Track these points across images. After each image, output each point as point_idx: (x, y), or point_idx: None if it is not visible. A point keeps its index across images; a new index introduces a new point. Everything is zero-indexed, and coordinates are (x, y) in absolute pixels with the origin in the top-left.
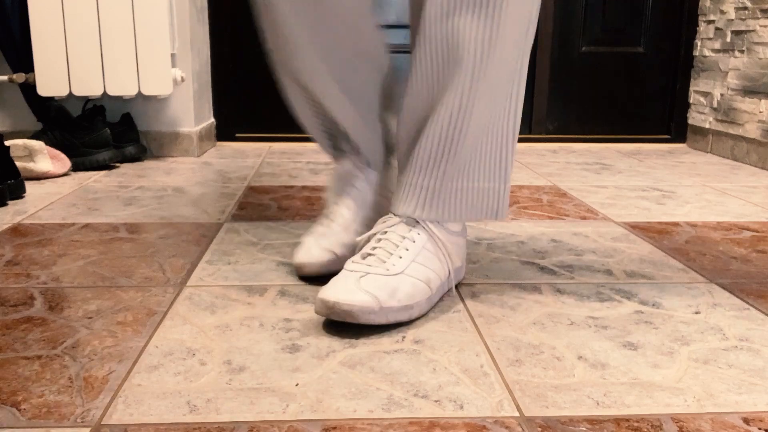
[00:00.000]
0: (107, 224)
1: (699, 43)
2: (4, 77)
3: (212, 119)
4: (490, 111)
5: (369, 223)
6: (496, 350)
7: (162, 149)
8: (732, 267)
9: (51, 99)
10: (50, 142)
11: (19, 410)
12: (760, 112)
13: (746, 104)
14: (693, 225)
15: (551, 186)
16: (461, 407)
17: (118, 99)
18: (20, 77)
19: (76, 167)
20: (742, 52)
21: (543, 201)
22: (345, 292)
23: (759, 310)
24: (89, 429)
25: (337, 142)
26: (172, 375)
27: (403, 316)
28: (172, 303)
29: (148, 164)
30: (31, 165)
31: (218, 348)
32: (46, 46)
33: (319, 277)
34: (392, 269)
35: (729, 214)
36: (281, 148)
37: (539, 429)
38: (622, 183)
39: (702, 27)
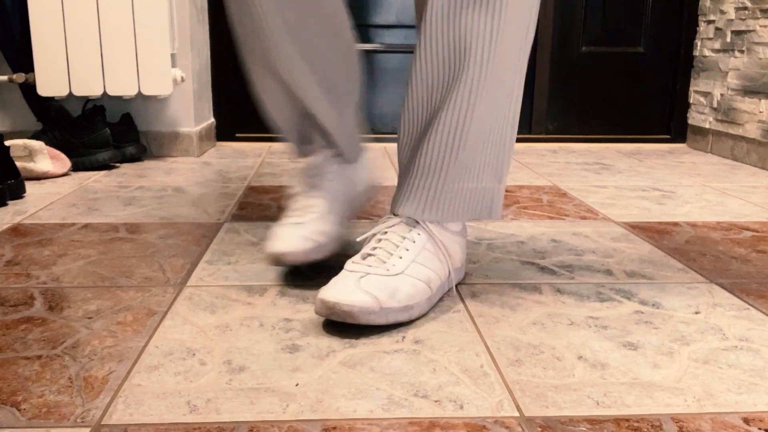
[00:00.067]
0: (107, 224)
1: (699, 43)
2: (4, 77)
3: (212, 119)
4: (492, 111)
5: (344, 216)
6: (496, 350)
7: (162, 149)
8: (732, 267)
9: (51, 99)
10: (50, 142)
11: (19, 410)
12: (760, 112)
13: (746, 104)
14: (693, 225)
15: (551, 186)
16: (461, 407)
17: (118, 99)
18: (20, 77)
19: (76, 167)
20: (742, 52)
21: (543, 201)
22: (345, 292)
23: (759, 310)
24: (89, 429)
25: (309, 137)
26: (172, 375)
27: (403, 317)
28: (172, 303)
29: (148, 164)
30: (31, 165)
31: (218, 348)
32: (46, 46)
33: (303, 272)
34: (392, 269)
35: (729, 214)
36: (281, 148)
37: (539, 429)
38: (622, 183)
39: (702, 27)
